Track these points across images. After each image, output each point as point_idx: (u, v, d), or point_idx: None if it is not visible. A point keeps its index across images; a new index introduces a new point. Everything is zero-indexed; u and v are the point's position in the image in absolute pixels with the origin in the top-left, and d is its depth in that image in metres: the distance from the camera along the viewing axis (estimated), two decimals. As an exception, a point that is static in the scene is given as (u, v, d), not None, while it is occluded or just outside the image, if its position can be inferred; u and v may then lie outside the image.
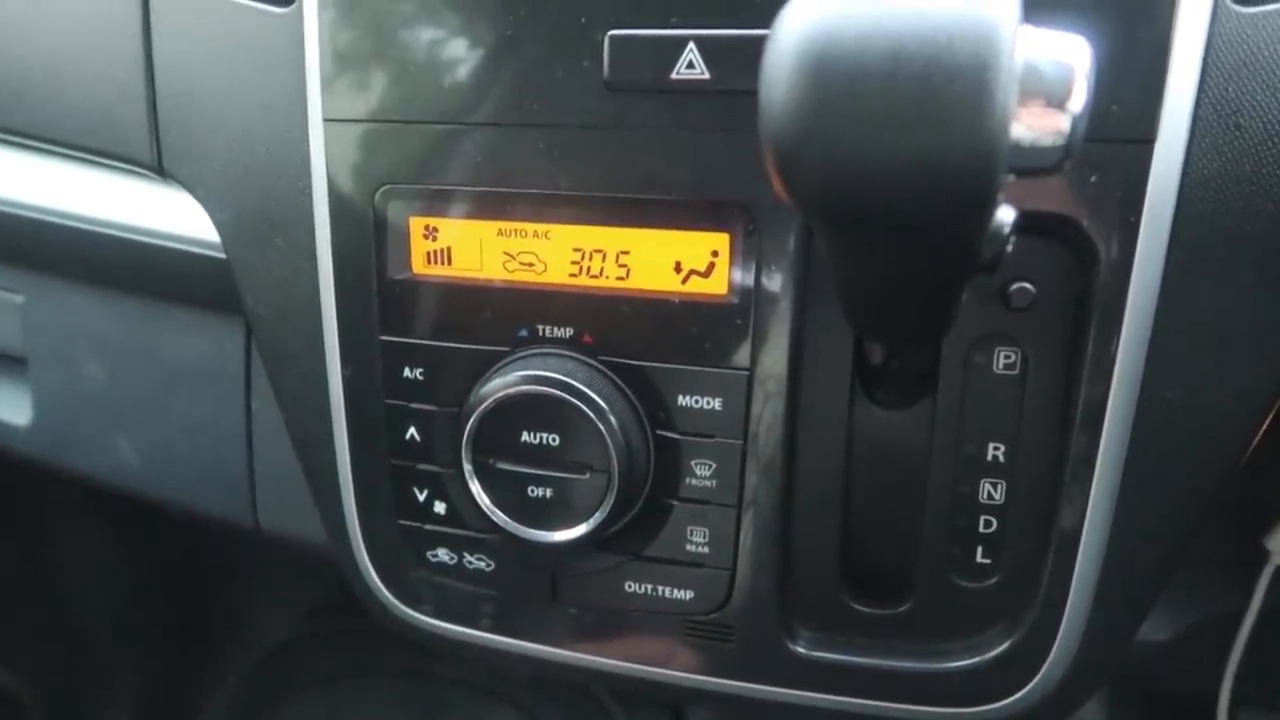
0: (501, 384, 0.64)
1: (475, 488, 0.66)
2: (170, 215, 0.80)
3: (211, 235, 0.77)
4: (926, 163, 0.37)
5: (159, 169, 0.77)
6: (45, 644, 1.51)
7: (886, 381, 0.62)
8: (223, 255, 0.76)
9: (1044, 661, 0.63)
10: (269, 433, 0.86)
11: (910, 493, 0.64)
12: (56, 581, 1.52)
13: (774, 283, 0.61)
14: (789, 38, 0.39)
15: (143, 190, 0.81)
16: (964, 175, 0.38)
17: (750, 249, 0.61)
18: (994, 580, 0.64)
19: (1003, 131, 0.37)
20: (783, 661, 0.67)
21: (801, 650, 0.67)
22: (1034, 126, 0.41)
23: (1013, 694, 0.64)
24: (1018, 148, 0.40)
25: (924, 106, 0.37)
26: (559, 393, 0.63)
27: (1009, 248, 0.46)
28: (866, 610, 0.66)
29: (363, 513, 0.74)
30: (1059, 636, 0.62)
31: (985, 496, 0.63)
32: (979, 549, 0.64)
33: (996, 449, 0.62)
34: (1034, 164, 0.42)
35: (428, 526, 0.72)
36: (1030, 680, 0.64)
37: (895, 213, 0.40)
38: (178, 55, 0.74)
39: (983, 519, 0.63)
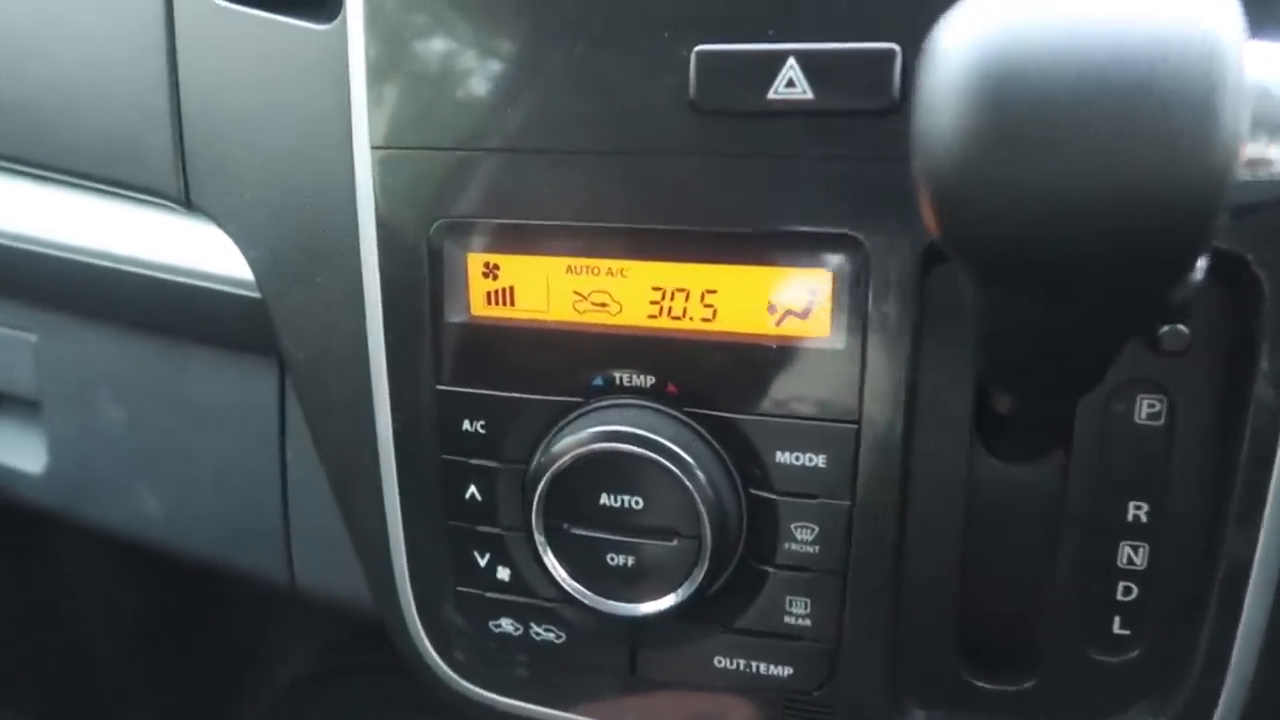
0: (576, 440, 0.57)
1: (548, 556, 0.60)
2: (198, 251, 0.73)
3: (244, 273, 0.70)
4: (1136, 202, 0.31)
5: (186, 201, 0.70)
6: (54, 682, 1.44)
7: (1013, 433, 0.55)
8: (257, 295, 0.69)
9: (1196, 747, 0.56)
10: (306, 482, 0.79)
11: (1037, 556, 0.57)
12: (66, 616, 1.46)
13: (885, 323, 0.54)
14: (959, 50, 0.32)
15: (168, 224, 0.74)
16: (1181, 216, 0.32)
17: (857, 286, 0.54)
18: (1134, 654, 0.57)
19: (1230, 163, 0.31)
20: (893, 745, 0.60)
21: (915, 731, 0.60)
22: (1260, 156, 0.34)
23: (1157, 781, 0.57)
24: (1238, 181, 0.33)
25: (1136, 134, 0.31)
26: (642, 450, 0.56)
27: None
28: (987, 687, 0.59)
29: (416, 578, 0.67)
30: (1217, 715, 0.55)
31: (1125, 561, 0.56)
32: (1116, 619, 0.57)
33: (1139, 508, 0.55)
34: (1256, 199, 0.35)
35: (490, 594, 0.65)
36: (1180, 768, 0.57)
37: (1089, 261, 0.33)
38: (206, 76, 0.68)
39: (1121, 585, 0.56)
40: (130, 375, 0.83)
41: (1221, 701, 0.55)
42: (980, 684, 0.59)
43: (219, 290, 0.72)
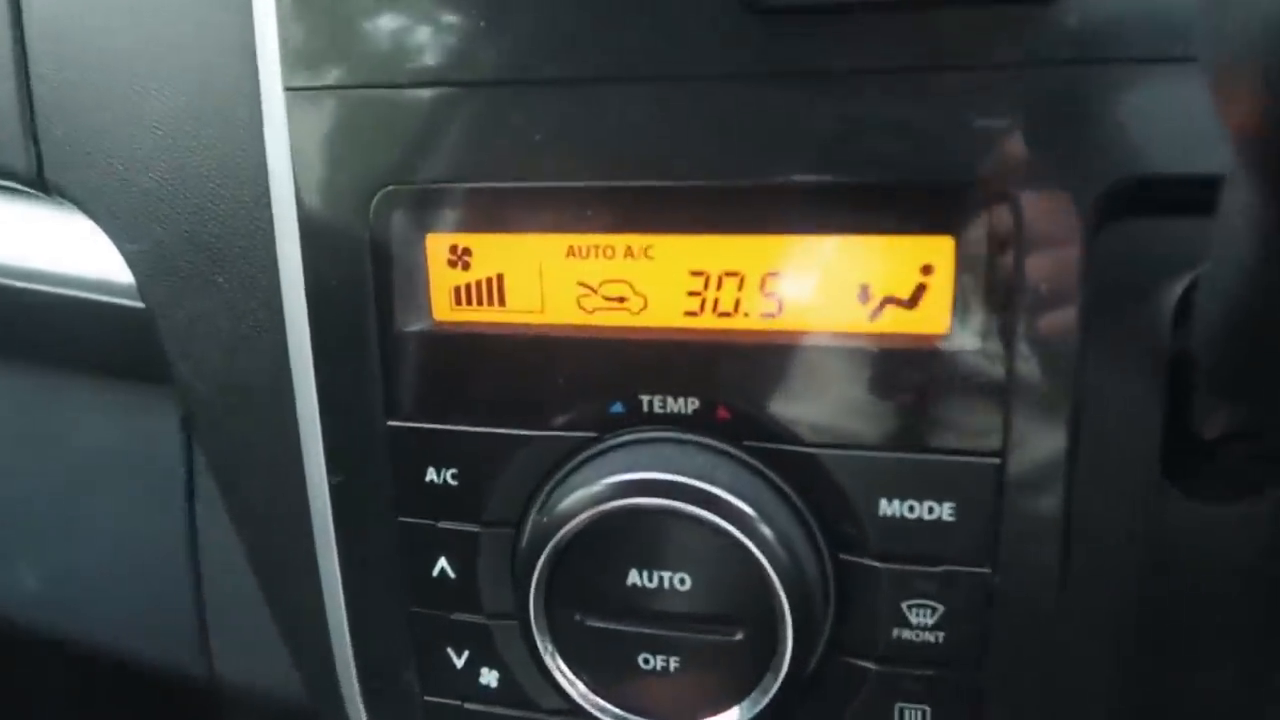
0: (590, 494, 0.40)
1: (553, 658, 0.42)
2: (61, 247, 0.55)
3: (122, 276, 0.52)
4: None
5: (39, 180, 0.52)
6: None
7: (1220, 461, 0.39)
8: (139, 304, 0.51)
9: None
10: (223, 548, 0.60)
11: (1249, 637, 0.41)
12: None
13: (1041, 311, 0.37)
14: None
15: (18, 214, 0.56)
16: None
17: (995, 259, 0.37)
18: (1389, 766, 0.41)
19: None
20: None
21: None
22: None
23: None
24: None
25: None
26: (686, 506, 0.39)
27: None
28: None
29: (369, 685, 0.49)
30: None
31: (1378, 637, 0.40)
32: (1364, 716, 0.41)
33: None
34: None
35: (471, 705, 0.47)
36: None
37: None
38: (59, 15, 0.50)
39: (1373, 671, 0.40)
40: (-7, 416, 0.65)
41: None
42: (1167, 811, 0.43)
43: (89, 300, 0.54)
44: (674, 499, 0.39)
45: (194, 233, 0.47)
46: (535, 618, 0.42)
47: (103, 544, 0.65)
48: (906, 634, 0.41)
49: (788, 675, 0.40)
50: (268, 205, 0.45)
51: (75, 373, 0.61)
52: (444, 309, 0.43)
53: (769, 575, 0.39)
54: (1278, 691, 0.40)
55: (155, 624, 0.65)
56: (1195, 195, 0.33)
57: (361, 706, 0.50)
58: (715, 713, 0.41)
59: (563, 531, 0.40)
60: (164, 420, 0.60)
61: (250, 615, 0.61)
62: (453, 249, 0.43)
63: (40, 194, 0.53)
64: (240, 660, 0.63)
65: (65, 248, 0.55)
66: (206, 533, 0.61)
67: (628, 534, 0.40)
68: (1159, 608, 0.40)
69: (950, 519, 0.39)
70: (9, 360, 0.62)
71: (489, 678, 0.46)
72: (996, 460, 0.39)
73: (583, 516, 0.40)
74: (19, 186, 0.54)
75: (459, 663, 0.47)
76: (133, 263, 0.50)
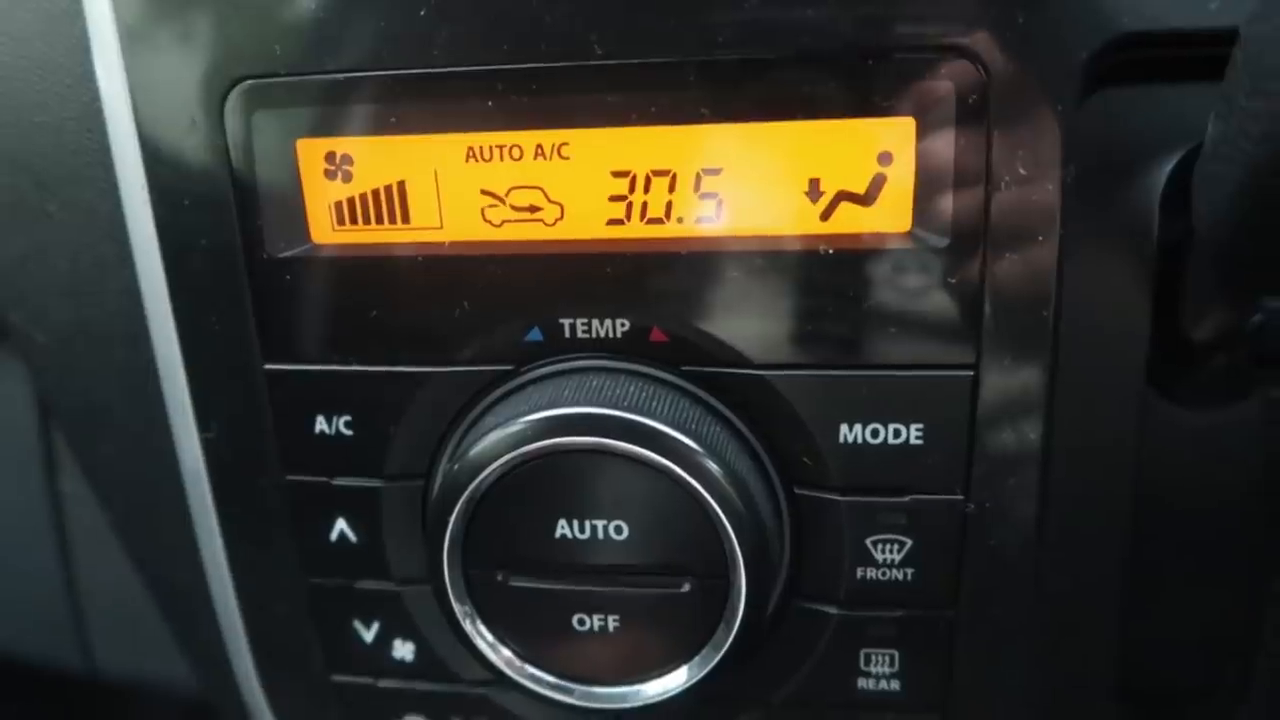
0: (508, 435, 0.34)
1: (471, 623, 0.37)
2: None
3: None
4: None
5: None
6: None
7: (1211, 364, 0.35)
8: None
9: None
10: (93, 528, 0.53)
11: (1238, 542, 0.38)
12: None
13: (1016, 199, 0.32)
14: None
15: None
16: None
17: (963, 140, 0.32)
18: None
19: None
20: None
21: (1064, 832, 0.40)
22: None
23: None
24: None
25: None
26: (620, 443, 0.34)
27: None
28: None
29: (265, 667, 0.43)
30: None
31: (1373, 541, 0.37)
32: (1356, 626, 0.38)
33: (1394, 460, 0.36)
34: None
35: (384, 683, 0.42)
36: None
37: None
38: None
39: (1363, 576, 0.37)
40: None
41: None
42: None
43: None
44: (604, 436, 0.34)
45: (17, 151, 0.40)
46: (451, 580, 0.36)
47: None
48: (871, 573, 0.36)
49: (742, 626, 0.35)
50: (99, 114, 0.37)
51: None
52: (323, 229, 0.37)
53: (717, 516, 0.34)
54: (1275, 596, 0.37)
55: (29, 618, 0.57)
56: (1199, 55, 0.29)
57: (261, 694, 0.44)
58: (663, 673, 0.36)
59: (478, 480, 0.35)
60: (12, 389, 0.52)
61: (133, 601, 0.54)
62: (329, 157, 0.36)
63: None
64: (125, 651, 0.56)
65: None
66: (75, 511, 0.54)
67: (553, 479, 0.35)
68: (1150, 516, 0.37)
69: (918, 442, 0.35)
70: None
71: (403, 651, 0.41)
72: (970, 374, 0.34)
73: (500, 461, 0.34)
74: None
75: (368, 636, 0.41)
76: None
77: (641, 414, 0.34)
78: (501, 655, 0.37)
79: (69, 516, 0.53)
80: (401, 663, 0.41)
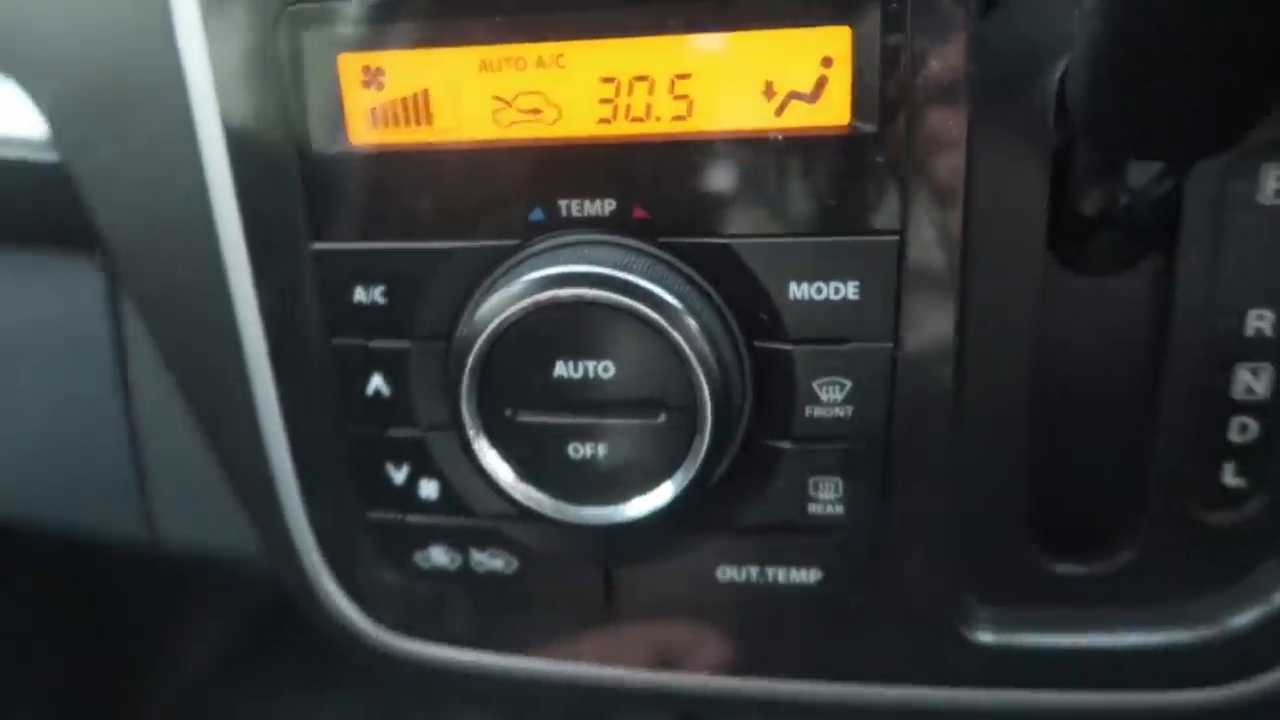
0: (513, 293, 0.42)
1: (487, 455, 0.44)
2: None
3: (35, 130, 0.51)
4: None
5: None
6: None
7: (1102, 233, 0.42)
8: (54, 157, 0.51)
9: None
10: (158, 412, 0.61)
11: (1129, 395, 0.44)
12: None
13: (932, 94, 0.39)
14: None
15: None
16: None
17: (890, 45, 0.39)
18: (1251, 508, 0.45)
19: None
20: (957, 653, 0.47)
21: (984, 636, 0.47)
22: None
23: (1290, 661, 0.46)
24: None
25: None
26: (609, 294, 0.41)
27: None
28: (1068, 570, 0.47)
29: (313, 509, 0.51)
30: (1361, 573, 0.44)
31: (1242, 389, 0.44)
32: (1229, 467, 0.45)
33: (1260, 318, 0.43)
34: None
35: (412, 518, 0.49)
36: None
37: None
38: None
39: (1236, 423, 0.44)
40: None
41: (1367, 553, 0.43)
42: (1060, 568, 0.47)
43: (2, 158, 0.53)
44: (597, 289, 0.41)
45: (103, 70, 0.47)
46: (469, 419, 0.44)
47: (39, 417, 0.65)
48: (818, 411, 0.44)
49: (707, 454, 0.42)
50: (172, 37, 0.45)
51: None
52: (360, 131, 0.44)
53: (688, 359, 0.41)
54: (1159, 440, 0.44)
55: (98, 495, 0.65)
56: None
57: (310, 537, 0.52)
58: (643, 494, 0.43)
59: (489, 329, 0.42)
60: (86, 288, 0.60)
61: (192, 476, 0.62)
62: (365, 69, 0.43)
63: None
64: (184, 522, 0.64)
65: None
66: (141, 398, 0.62)
67: (552, 328, 0.42)
68: (1051, 369, 0.44)
69: (855, 298, 0.42)
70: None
71: (428, 489, 0.48)
72: (896, 238, 0.41)
73: (508, 313, 0.41)
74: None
75: (399, 478, 0.49)
76: (43, 109, 0.49)
77: (630, 274, 0.41)
78: (512, 484, 0.45)
79: (136, 403, 0.61)
80: (427, 500, 0.49)
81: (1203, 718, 0.47)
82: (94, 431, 0.63)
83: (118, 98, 0.47)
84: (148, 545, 0.65)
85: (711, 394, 0.41)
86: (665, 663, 0.50)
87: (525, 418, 0.43)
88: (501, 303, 0.42)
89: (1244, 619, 0.45)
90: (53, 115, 0.50)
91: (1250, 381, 0.43)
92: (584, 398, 0.43)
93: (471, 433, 0.44)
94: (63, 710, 1.34)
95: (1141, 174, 0.39)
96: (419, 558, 0.50)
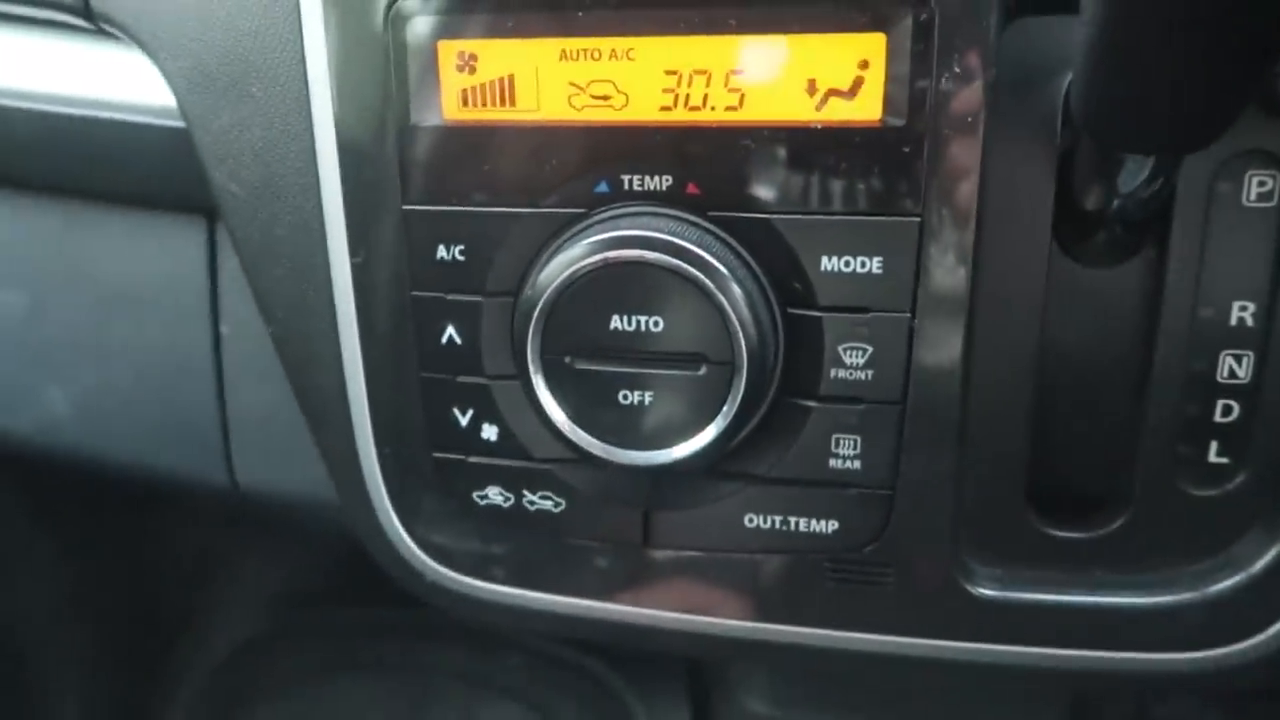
0: (578, 252, 0.48)
1: (545, 399, 0.50)
2: (104, 78, 0.61)
3: (160, 98, 0.59)
4: None
5: (85, 9, 0.58)
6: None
7: (1102, 228, 0.47)
8: (176, 122, 0.58)
9: (1311, 580, 0.49)
10: (243, 365, 0.68)
11: (1123, 375, 0.49)
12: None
13: (954, 96, 0.45)
14: None
15: (65, 48, 0.62)
16: None
17: (919, 51, 0.45)
18: (1234, 483, 0.50)
19: None
20: (958, 607, 0.52)
21: (983, 591, 0.52)
22: None
23: (1267, 627, 0.50)
24: None
25: None
26: (662, 256, 0.47)
27: None
28: (1063, 535, 0.51)
29: (383, 447, 0.57)
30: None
31: (1226, 374, 0.48)
32: (1213, 445, 0.49)
33: (1244, 309, 0.47)
34: None
35: (473, 459, 0.55)
36: (1292, 606, 0.49)
37: None
38: None
39: (1220, 405, 0.49)
40: (26, 250, 0.71)
41: (1340, 528, 0.48)
42: (1056, 532, 0.51)
43: (131, 122, 0.60)
44: (654, 252, 0.47)
45: (231, 48, 0.54)
46: (533, 365, 0.49)
47: (131, 367, 0.71)
48: (842, 373, 0.49)
49: (741, 405, 0.47)
50: (298, 20, 0.52)
51: (106, 205, 0.68)
52: (453, 109, 0.50)
53: (730, 315, 0.46)
54: (1150, 417, 0.49)
55: (182, 438, 0.72)
56: None
57: (378, 472, 0.58)
58: (684, 439, 0.49)
59: (557, 283, 0.48)
60: (189, 246, 0.67)
61: (267, 425, 0.69)
62: (460, 55, 0.50)
63: (88, 26, 0.59)
64: (259, 467, 0.71)
65: (107, 82, 0.62)
66: (229, 351, 0.68)
67: (610, 286, 0.48)
68: (1052, 349, 0.49)
69: (879, 272, 0.47)
70: (42, 196, 0.69)
71: (489, 432, 0.54)
72: (917, 220, 0.46)
73: (575, 269, 0.47)
74: (65, 19, 0.60)
75: (463, 421, 0.54)
76: (173, 80, 0.56)
77: (682, 239, 0.47)
78: (565, 425, 0.50)
79: (226, 350, 0.67)
80: (487, 442, 0.54)
81: (1186, 680, 0.51)
82: (184, 380, 0.69)
83: (241, 72, 0.54)
84: (223, 488, 0.71)
85: (748, 351, 0.47)
86: (694, 605, 0.55)
87: (582, 365, 0.49)
88: (569, 260, 0.48)
89: (1224, 585, 0.50)
90: (180, 87, 0.56)
91: (1234, 366, 0.48)
92: (635, 349, 0.48)
93: (534, 377, 0.50)
94: (106, 676, 1.41)
95: (1137, 174, 0.44)
96: (477, 496, 0.56)
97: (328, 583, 1.46)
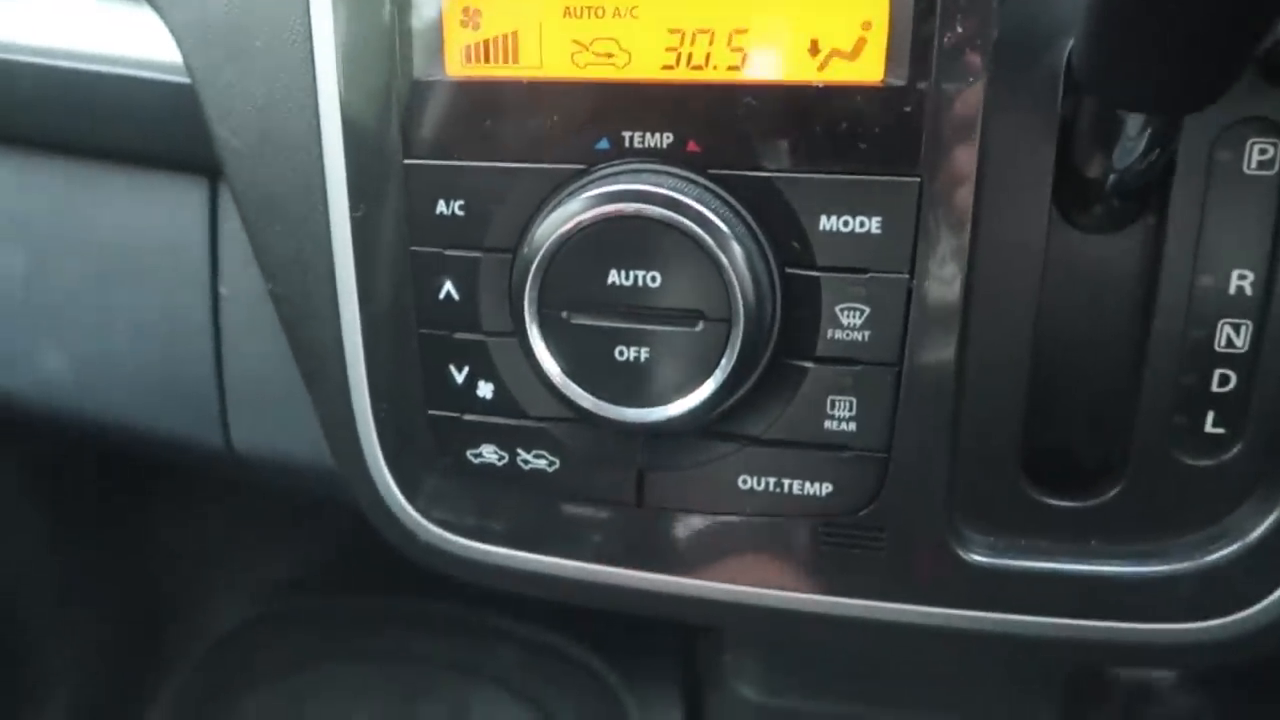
0: (578, 207, 0.48)
1: (541, 354, 0.50)
2: (110, 33, 0.62)
3: (166, 55, 0.59)
4: None
5: (93, -38, 0.59)
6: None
7: (1102, 194, 0.47)
8: (182, 78, 0.58)
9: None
10: (241, 326, 0.68)
11: (1120, 344, 0.49)
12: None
13: (956, 58, 0.45)
14: None
15: (71, 4, 0.62)
16: None
17: (922, 12, 0.45)
18: (1231, 454, 0.49)
19: None
20: (950, 573, 0.51)
21: (976, 557, 0.51)
22: None
23: (1263, 598, 0.49)
24: None
25: None
26: (661, 210, 0.47)
27: None
28: (1057, 503, 0.51)
29: (379, 405, 0.57)
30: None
31: (1223, 343, 0.48)
32: (1210, 415, 0.49)
33: (1243, 278, 0.47)
34: None
35: (468, 417, 0.55)
36: (1286, 579, 0.49)
37: None
38: None
39: (1218, 374, 0.49)
40: (26, 209, 0.71)
41: (1334, 501, 0.47)
42: (1050, 500, 0.51)
43: (135, 77, 0.61)
44: (653, 205, 0.47)
45: (236, 3, 0.54)
46: (529, 319, 0.49)
47: (129, 328, 0.71)
48: (839, 334, 0.49)
49: (739, 361, 0.47)
50: (303, -26, 0.52)
51: (108, 165, 0.68)
52: (456, 64, 0.50)
53: (729, 271, 0.46)
54: (1147, 386, 0.49)
55: (179, 400, 0.71)
56: None
57: (373, 430, 0.57)
58: (680, 396, 0.48)
59: (556, 235, 0.48)
60: (190, 208, 0.67)
61: (263, 388, 0.69)
62: (464, 10, 0.50)
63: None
64: (255, 430, 0.70)
65: (113, 37, 0.62)
66: (227, 313, 0.68)
67: (609, 239, 0.47)
68: (1049, 315, 0.49)
69: (878, 232, 0.47)
70: (43, 153, 0.69)
71: (485, 390, 0.54)
72: (917, 179, 0.46)
73: (575, 222, 0.47)
74: (72, -27, 0.60)
75: (459, 378, 0.54)
76: (180, 34, 0.57)
77: (682, 194, 0.47)
78: (560, 381, 0.50)
79: (224, 311, 0.67)
80: (482, 400, 0.54)
81: (1181, 651, 0.51)
82: (182, 342, 0.69)
83: (245, 25, 0.54)
84: (218, 450, 0.71)
85: (745, 308, 0.47)
86: (687, 569, 0.55)
87: (579, 320, 0.49)
88: (567, 214, 0.48)
89: (1221, 555, 0.49)
90: (186, 42, 0.57)
91: (1232, 335, 0.48)
92: (632, 304, 0.48)
93: (530, 332, 0.50)
94: (98, 660, 1.40)
95: (1137, 140, 0.44)
96: (471, 454, 0.55)
97: (321, 571, 1.46)
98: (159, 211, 0.67)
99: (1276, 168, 0.46)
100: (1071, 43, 0.45)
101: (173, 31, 0.57)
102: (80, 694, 1.40)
